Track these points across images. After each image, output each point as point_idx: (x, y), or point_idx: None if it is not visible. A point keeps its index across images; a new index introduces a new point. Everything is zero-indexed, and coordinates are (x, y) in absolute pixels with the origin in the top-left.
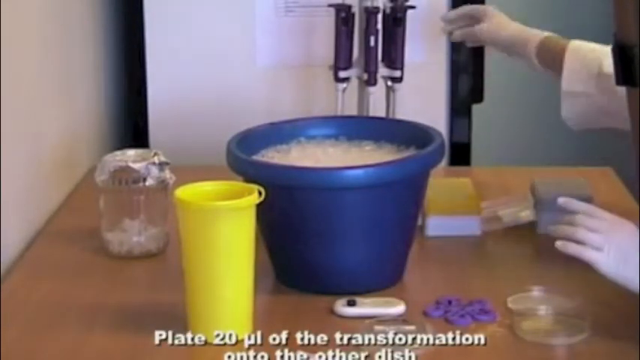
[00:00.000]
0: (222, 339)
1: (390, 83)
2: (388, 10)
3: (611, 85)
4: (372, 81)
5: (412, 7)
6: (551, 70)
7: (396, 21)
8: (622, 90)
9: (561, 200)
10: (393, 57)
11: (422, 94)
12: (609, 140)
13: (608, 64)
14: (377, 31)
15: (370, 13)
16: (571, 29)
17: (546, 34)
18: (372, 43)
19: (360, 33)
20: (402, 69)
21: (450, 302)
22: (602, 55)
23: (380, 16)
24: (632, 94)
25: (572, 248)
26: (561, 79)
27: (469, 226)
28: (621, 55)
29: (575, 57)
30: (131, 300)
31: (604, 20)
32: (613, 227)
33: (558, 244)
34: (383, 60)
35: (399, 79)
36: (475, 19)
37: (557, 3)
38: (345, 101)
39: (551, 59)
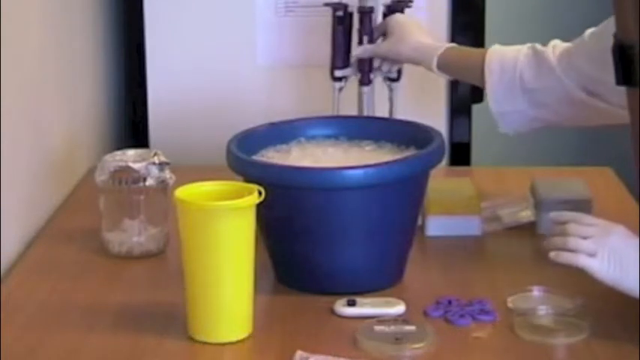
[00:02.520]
0: (222, 339)
1: (388, 82)
2: (387, 9)
3: (540, 99)
4: (365, 80)
5: (410, 2)
6: (460, 79)
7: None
8: (553, 102)
9: (553, 215)
10: None
11: (422, 94)
12: (609, 140)
13: (529, 78)
14: (371, 30)
15: (364, 12)
16: (570, 29)
17: (447, 45)
18: (366, 42)
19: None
20: (399, 68)
21: (450, 302)
22: (519, 65)
23: (374, 16)
24: (632, 94)
25: (565, 257)
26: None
27: (469, 226)
28: (621, 55)
29: (495, 76)
30: (131, 300)
31: (602, 20)
32: (604, 232)
33: (552, 254)
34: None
35: (397, 79)
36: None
37: (556, 3)
38: (345, 101)
39: (456, 71)
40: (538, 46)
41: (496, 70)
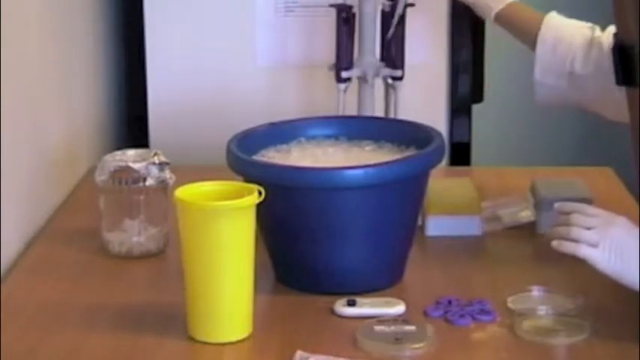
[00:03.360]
0: (222, 339)
1: (390, 81)
2: (387, 9)
3: (582, 84)
4: (398, 64)
5: (411, 5)
6: (513, 35)
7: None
8: (593, 89)
9: (557, 205)
10: (394, 55)
11: (422, 94)
12: (609, 140)
13: (579, 64)
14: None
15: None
16: None
17: (509, 0)
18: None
19: (361, 33)
20: (402, 67)
21: (450, 302)
22: (574, 48)
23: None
24: (632, 94)
25: (567, 247)
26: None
27: (469, 226)
28: (621, 55)
29: (547, 48)
30: (131, 300)
31: (602, 20)
32: (607, 222)
33: (554, 243)
34: (383, 59)
35: (400, 78)
36: None
37: (556, 3)
38: (346, 101)
39: (511, 28)
40: (597, 31)
41: (549, 43)
